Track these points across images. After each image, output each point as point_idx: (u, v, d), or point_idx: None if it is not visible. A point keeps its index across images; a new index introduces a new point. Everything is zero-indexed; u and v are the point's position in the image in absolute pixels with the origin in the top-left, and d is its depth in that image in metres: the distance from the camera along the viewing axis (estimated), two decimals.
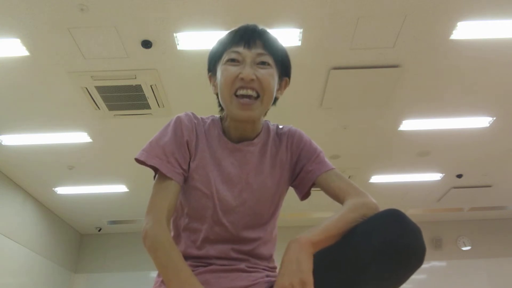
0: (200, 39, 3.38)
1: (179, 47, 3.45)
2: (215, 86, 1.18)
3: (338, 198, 1.12)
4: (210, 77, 1.21)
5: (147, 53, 3.51)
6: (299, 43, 3.44)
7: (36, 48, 3.42)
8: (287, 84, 1.22)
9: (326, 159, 1.20)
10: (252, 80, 1.08)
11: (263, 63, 1.11)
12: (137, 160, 1.10)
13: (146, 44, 3.41)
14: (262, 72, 1.10)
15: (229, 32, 1.17)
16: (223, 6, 3.12)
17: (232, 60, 1.11)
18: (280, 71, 1.16)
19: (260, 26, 1.17)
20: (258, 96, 1.10)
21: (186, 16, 3.19)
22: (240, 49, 1.11)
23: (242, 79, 1.08)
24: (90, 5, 3.05)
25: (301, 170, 1.19)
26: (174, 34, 3.34)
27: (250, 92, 1.09)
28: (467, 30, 3.37)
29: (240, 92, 1.09)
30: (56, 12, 3.09)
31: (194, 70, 3.68)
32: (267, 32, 1.16)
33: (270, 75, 1.11)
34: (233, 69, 1.10)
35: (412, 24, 3.30)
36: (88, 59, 3.54)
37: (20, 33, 3.28)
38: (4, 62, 3.55)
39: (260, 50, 1.11)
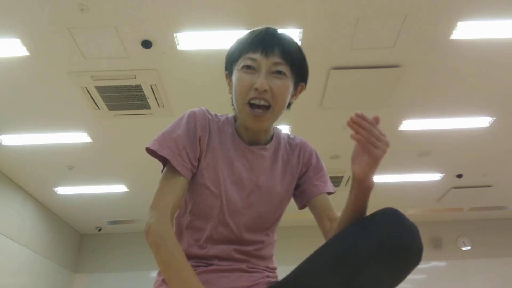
0: (200, 39, 3.38)
1: (179, 47, 3.45)
2: (230, 86, 1.18)
3: (330, 218, 1.16)
4: (226, 75, 1.20)
5: (147, 53, 3.51)
6: (299, 43, 3.43)
7: (36, 48, 3.42)
8: (303, 88, 1.21)
9: (330, 182, 1.25)
10: (265, 91, 1.08)
11: (278, 72, 1.09)
12: (148, 150, 1.09)
13: (146, 44, 3.41)
14: (276, 83, 1.09)
15: (249, 34, 1.14)
16: (223, 6, 3.12)
17: (248, 67, 1.10)
18: (296, 78, 1.15)
19: (280, 31, 1.15)
20: (269, 106, 1.10)
21: (186, 16, 3.19)
22: (257, 56, 1.09)
23: (256, 89, 1.07)
24: (90, 5, 3.05)
25: (305, 182, 1.22)
26: (174, 34, 3.34)
27: (262, 102, 1.09)
28: (467, 30, 3.37)
29: (253, 101, 1.09)
30: (56, 12, 3.09)
31: (194, 70, 3.68)
32: (286, 38, 1.14)
33: (284, 86, 1.10)
34: (248, 78, 1.09)
35: (412, 24, 3.30)
36: (88, 59, 3.54)
37: (20, 33, 3.28)
38: (4, 62, 3.55)
39: (277, 59, 1.09)
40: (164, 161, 1.10)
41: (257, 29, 1.14)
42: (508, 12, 3.22)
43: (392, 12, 3.20)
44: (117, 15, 3.15)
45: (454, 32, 3.38)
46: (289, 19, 3.25)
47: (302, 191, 1.22)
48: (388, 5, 3.14)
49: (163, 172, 1.10)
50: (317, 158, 1.26)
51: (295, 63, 1.13)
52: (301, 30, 3.34)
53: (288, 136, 1.28)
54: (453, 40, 3.46)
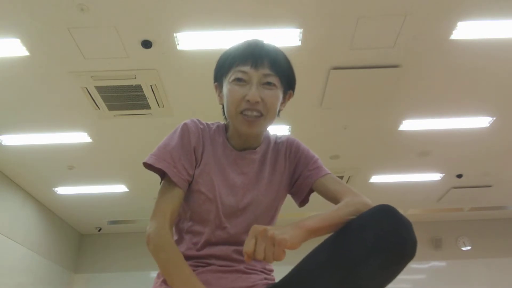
0: (200, 39, 3.38)
1: (179, 47, 3.45)
2: (220, 97, 1.22)
3: (335, 200, 1.15)
4: (216, 86, 1.24)
5: (147, 53, 3.51)
6: (299, 43, 3.44)
7: (36, 48, 3.42)
8: (291, 96, 1.25)
9: (323, 165, 1.25)
10: (257, 102, 1.11)
11: (268, 83, 1.13)
12: (145, 164, 1.13)
13: (146, 44, 3.41)
14: (267, 94, 1.13)
15: (237, 47, 1.18)
16: (223, 6, 3.12)
17: (238, 80, 1.13)
18: (285, 88, 1.20)
19: (267, 42, 1.19)
20: (262, 115, 1.14)
21: (186, 16, 3.19)
22: (247, 68, 1.12)
23: (248, 101, 1.11)
24: (90, 5, 3.05)
25: (299, 177, 1.24)
26: (174, 34, 3.34)
27: (255, 113, 1.13)
28: (467, 30, 3.37)
29: (246, 113, 1.13)
30: (56, 12, 3.09)
31: (194, 70, 3.68)
32: (274, 49, 1.18)
33: (275, 96, 1.14)
34: (240, 90, 1.12)
35: (412, 24, 3.30)
36: (88, 59, 3.54)
37: (20, 33, 3.28)
38: (4, 62, 3.55)
39: (266, 71, 1.13)
40: (162, 173, 1.14)
41: (245, 42, 1.18)
42: (508, 12, 3.22)
43: (392, 12, 3.20)
44: (117, 15, 3.15)
45: (454, 32, 3.38)
46: (289, 19, 3.25)
47: (299, 186, 1.24)
48: (388, 5, 3.14)
49: (161, 184, 1.15)
50: (306, 150, 1.27)
51: (284, 73, 1.17)
52: (301, 30, 3.34)
53: (276, 136, 1.31)
54: (453, 40, 3.46)
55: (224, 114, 1.23)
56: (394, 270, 0.95)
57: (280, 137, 1.30)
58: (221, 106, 1.24)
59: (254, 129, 1.14)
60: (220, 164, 1.19)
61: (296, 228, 0.93)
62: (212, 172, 1.17)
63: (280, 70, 1.15)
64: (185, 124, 1.19)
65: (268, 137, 1.28)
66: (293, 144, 1.28)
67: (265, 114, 1.13)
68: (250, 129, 1.14)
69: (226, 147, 1.21)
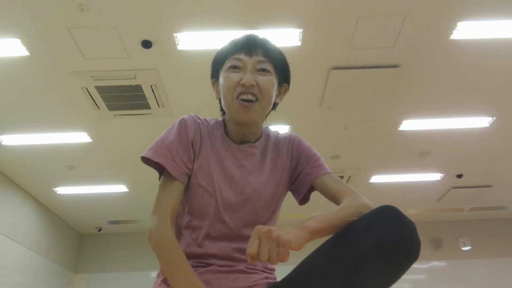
0: (200, 39, 3.39)
1: (179, 47, 3.46)
2: (217, 91, 1.23)
3: (335, 199, 1.16)
4: (213, 83, 1.26)
5: (147, 53, 3.51)
6: (299, 43, 3.44)
7: (36, 48, 3.42)
8: (286, 90, 1.27)
9: (324, 164, 1.25)
10: (252, 86, 1.13)
11: (263, 69, 1.16)
12: (143, 159, 1.13)
13: (146, 44, 3.41)
14: (262, 79, 1.16)
15: (231, 41, 1.22)
16: (223, 6, 3.12)
17: (234, 67, 1.16)
18: (280, 78, 1.22)
19: (261, 36, 1.23)
20: (257, 100, 1.15)
21: (186, 16, 3.19)
22: (242, 56, 1.16)
23: (243, 84, 1.13)
24: (90, 5, 3.05)
25: (300, 173, 1.24)
26: (174, 34, 3.34)
27: (250, 97, 1.14)
28: (467, 30, 3.37)
29: (241, 97, 1.14)
30: (56, 12, 3.09)
31: (194, 70, 3.68)
32: (268, 41, 1.22)
33: (270, 81, 1.17)
34: (235, 76, 1.15)
35: (412, 24, 3.30)
36: (88, 59, 3.54)
37: (20, 33, 3.28)
38: (4, 62, 3.55)
39: (260, 58, 1.17)
40: (160, 168, 1.14)
41: (238, 37, 1.22)
42: (508, 12, 3.22)
43: (392, 12, 3.20)
44: (117, 15, 3.15)
45: (454, 32, 3.38)
46: (289, 19, 3.25)
47: (300, 183, 1.24)
48: (388, 5, 3.14)
49: (160, 179, 1.15)
50: (308, 147, 1.27)
51: (278, 61, 1.20)
52: (301, 30, 3.34)
53: (278, 132, 1.32)
54: (453, 40, 3.46)
55: (221, 109, 1.24)
56: (397, 272, 0.94)
57: (282, 134, 1.31)
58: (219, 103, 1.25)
59: (250, 114, 1.15)
60: (219, 157, 1.19)
61: (300, 229, 0.93)
62: (211, 166, 1.17)
63: (273, 57, 1.18)
64: (182, 119, 1.20)
65: (267, 133, 1.29)
66: (295, 140, 1.28)
67: (260, 99, 1.15)
68: (245, 114, 1.15)
69: (225, 140, 1.22)
